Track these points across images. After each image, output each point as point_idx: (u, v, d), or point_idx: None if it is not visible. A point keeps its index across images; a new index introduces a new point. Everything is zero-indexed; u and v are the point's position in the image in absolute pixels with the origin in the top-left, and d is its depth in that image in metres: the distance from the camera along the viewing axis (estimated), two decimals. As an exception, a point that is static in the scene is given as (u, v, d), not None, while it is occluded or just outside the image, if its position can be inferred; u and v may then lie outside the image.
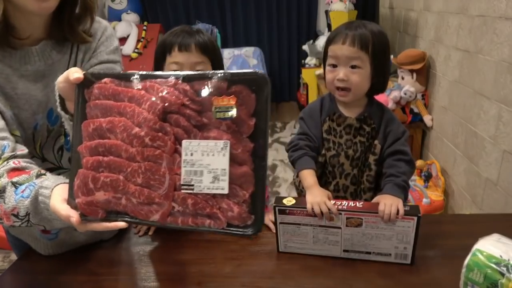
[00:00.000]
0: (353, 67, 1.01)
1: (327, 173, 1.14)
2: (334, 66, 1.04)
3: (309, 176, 1.03)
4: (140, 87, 0.62)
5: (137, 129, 0.61)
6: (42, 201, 0.71)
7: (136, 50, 3.97)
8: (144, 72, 0.64)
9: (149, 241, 1.07)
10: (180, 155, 0.60)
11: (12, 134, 0.85)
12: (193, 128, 0.59)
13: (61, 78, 0.71)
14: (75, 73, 0.68)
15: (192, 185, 0.59)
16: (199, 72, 0.59)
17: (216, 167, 0.58)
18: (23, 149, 0.84)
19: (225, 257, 0.99)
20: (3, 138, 0.81)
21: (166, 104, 0.59)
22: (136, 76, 0.63)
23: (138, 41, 4.05)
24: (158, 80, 0.61)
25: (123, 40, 4.07)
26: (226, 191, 0.58)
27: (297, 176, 1.10)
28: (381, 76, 1.06)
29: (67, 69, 0.92)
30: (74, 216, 0.66)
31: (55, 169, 0.97)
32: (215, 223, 0.60)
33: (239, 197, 0.59)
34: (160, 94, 0.60)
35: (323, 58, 1.11)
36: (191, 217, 0.61)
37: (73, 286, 0.92)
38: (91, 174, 0.65)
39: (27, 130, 0.89)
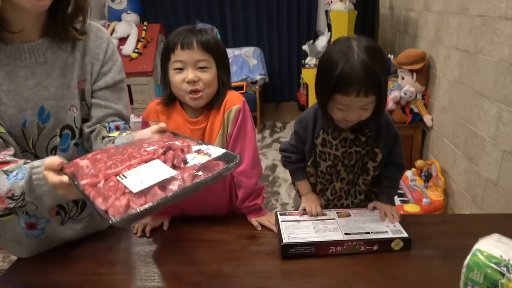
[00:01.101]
0: (363, 108, 0.98)
1: (324, 181, 1.15)
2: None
3: (304, 186, 1.17)
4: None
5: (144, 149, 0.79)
6: (36, 178, 0.78)
7: (136, 50, 3.96)
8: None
9: (149, 241, 1.07)
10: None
11: None
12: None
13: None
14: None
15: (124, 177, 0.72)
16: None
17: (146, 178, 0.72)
18: (9, 150, 0.86)
19: (225, 257, 0.99)
20: None
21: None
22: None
23: (138, 41, 4.05)
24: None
25: (123, 40, 4.07)
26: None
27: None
28: (385, 98, 1.02)
29: (68, 71, 0.93)
30: (64, 177, 0.75)
31: None
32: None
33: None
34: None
35: (319, 82, 1.02)
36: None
37: (72, 286, 0.92)
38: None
39: (15, 127, 0.89)
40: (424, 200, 2.20)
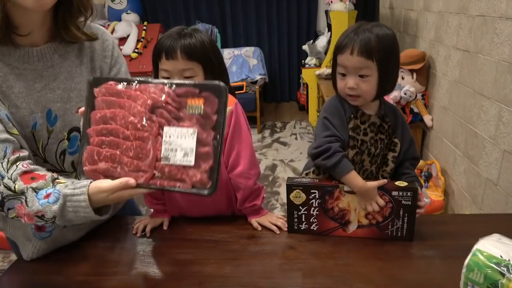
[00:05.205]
0: (361, 76, 1.01)
1: None
2: (344, 74, 1.04)
3: (357, 178, 1.00)
4: (137, 88, 0.84)
5: (132, 117, 0.82)
6: (70, 205, 0.81)
7: (136, 50, 3.97)
8: (140, 78, 0.85)
9: (149, 241, 1.08)
10: (162, 137, 0.81)
11: (10, 133, 0.85)
12: (172, 119, 0.80)
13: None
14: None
15: (169, 158, 0.80)
16: (181, 81, 0.81)
17: (186, 146, 0.79)
18: (23, 151, 0.86)
19: (225, 257, 0.99)
20: (3, 141, 0.83)
21: (153, 102, 0.81)
22: (135, 82, 0.84)
23: (138, 41, 4.06)
24: (151, 85, 0.83)
25: (123, 40, 4.07)
26: (192, 164, 0.79)
27: (339, 181, 1.03)
28: (390, 79, 1.05)
29: (75, 74, 0.95)
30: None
31: (56, 172, 0.97)
32: (183, 185, 0.80)
33: (201, 168, 0.79)
34: (151, 95, 0.82)
35: (332, 64, 1.10)
36: (166, 180, 0.81)
37: (72, 286, 0.92)
38: (96, 149, 0.84)
39: (26, 128, 0.90)
40: (424, 200, 2.20)
